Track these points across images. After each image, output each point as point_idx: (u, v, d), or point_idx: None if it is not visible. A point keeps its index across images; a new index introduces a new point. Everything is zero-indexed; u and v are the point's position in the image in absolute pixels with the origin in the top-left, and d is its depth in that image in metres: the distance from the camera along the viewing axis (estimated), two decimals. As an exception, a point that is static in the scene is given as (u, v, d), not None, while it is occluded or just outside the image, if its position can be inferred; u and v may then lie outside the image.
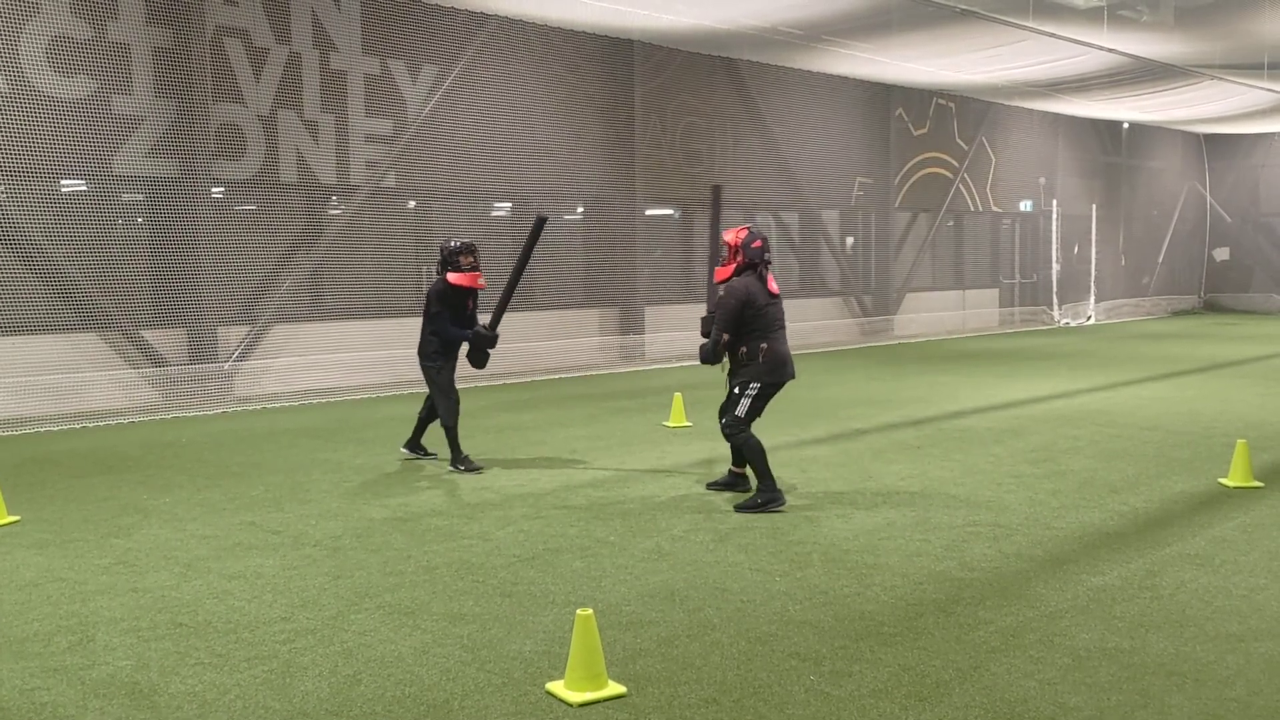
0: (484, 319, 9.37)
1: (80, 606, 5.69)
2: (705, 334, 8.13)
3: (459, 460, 9.13)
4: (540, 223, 9.00)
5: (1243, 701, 4.40)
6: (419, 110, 15.51)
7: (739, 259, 7.74)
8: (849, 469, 9.10)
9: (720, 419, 7.96)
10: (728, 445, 8.40)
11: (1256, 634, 5.15)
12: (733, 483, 8.29)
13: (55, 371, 12.36)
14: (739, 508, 7.64)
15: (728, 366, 7.97)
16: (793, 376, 7.84)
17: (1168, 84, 21.47)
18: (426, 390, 9.54)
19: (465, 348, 9.21)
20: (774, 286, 7.81)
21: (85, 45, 12.44)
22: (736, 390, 7.77)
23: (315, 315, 14.75)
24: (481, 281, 9.18)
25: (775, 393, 7.84)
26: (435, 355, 9.07)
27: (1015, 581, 5.99)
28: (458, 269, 9.00)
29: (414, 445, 9.71)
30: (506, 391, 14.75)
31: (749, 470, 8.18)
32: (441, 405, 9.09)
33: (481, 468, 9.14)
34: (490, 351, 9.28)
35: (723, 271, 7.88)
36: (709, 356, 7.84)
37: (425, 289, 15.91)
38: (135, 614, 5.55)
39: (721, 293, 7.79)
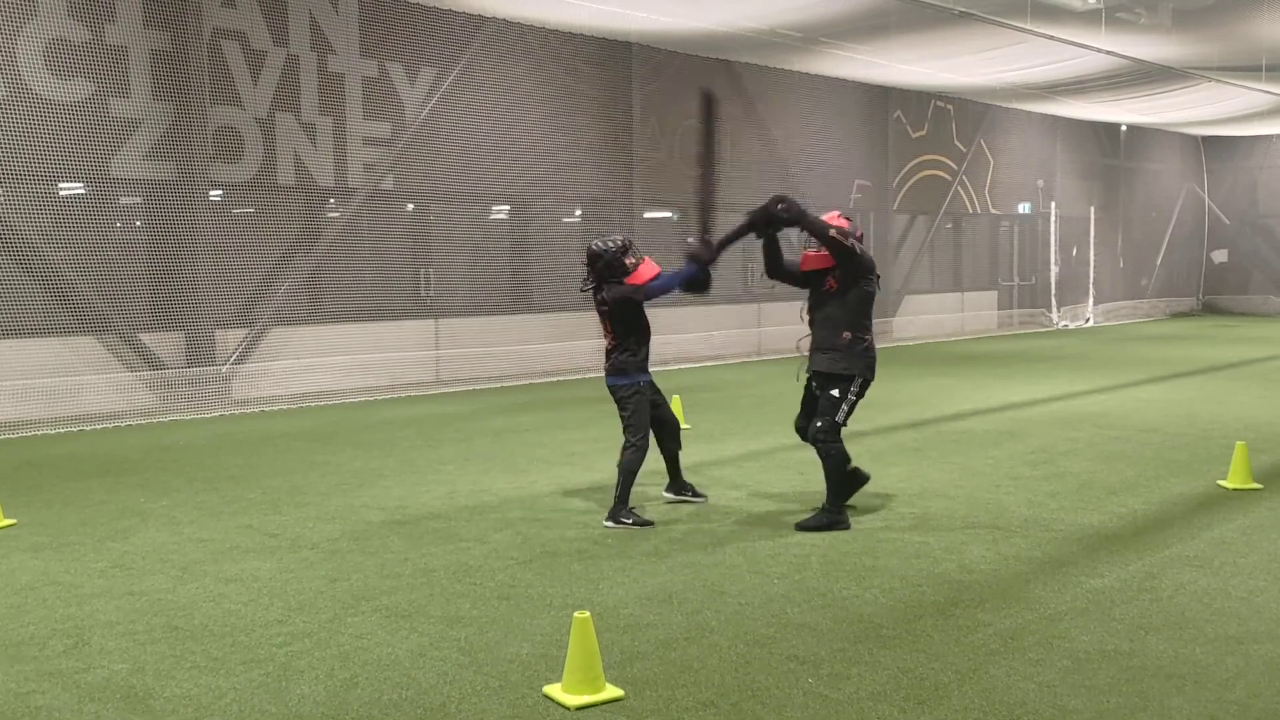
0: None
1: (76, 610, 5.67)
2: (697, 258, 7.19)
3: (628, 512, 7.33)
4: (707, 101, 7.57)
5: (1242, 704, 4.38)
6: (417, 113, 15.51)
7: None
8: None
9: (799, 433, 7.42)
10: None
11: (1256, 636, 5.14)
12: (852, 483, 7.41)
13: (52, 375, 12.33)
14: (800, 526, 7.13)
15: (803, 372, 7.41)
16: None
17: (1166, 86, 21.48)
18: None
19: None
20: None
21: (83, 48, 12.42)
22: (836, 392, 7.05)
23: (313, 318, 14.73)
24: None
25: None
26: (638, 371, 7.46)
27: (1014, 584, 5.98)
28: (626, 272, 7.42)
29: (678, 486, 8.00)
30: (504, 394, 14.73)
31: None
32: (633, 440, 7.40)
33: (653, 522, 7.37)
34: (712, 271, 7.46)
35: (817, 259, 7.23)
36: (803, 220, 7.00)
37: (425, 291, 15.88)
38: (131, 617, 5.53)
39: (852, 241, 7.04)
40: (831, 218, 7.28)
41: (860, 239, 7.33)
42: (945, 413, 12.46)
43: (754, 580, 6.06)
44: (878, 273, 7.40)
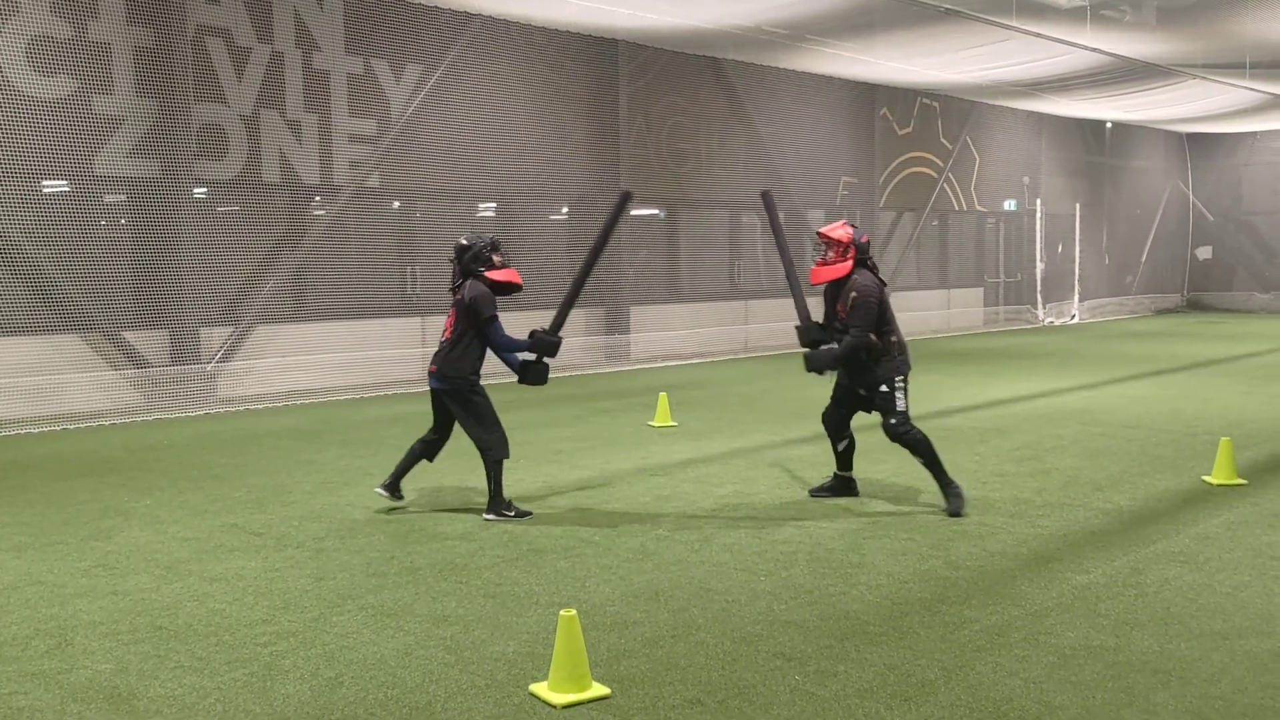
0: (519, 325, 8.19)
1: (59, 610, 5.63)
2: (807, 344, 7.60)
3: (504, 506, 7.49)
4: (624, 200, 7.79)
5: (1227, 699, 4.40)
6: (403, 110, 15.46)
7: (850, 255, 7.45)
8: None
9: (825, 425, 7.81)
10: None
11: (1241, 631, 5.16)
12: (840, 487, 8.01)
13: (36, 373, 12.26)
14: (951, 512, 7.37)
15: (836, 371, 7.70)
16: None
17: (1150, 83, 21.55)
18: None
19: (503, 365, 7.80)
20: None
21: (65, 45, 12.34)
22: (885, 389, 7.44)
23: (299, 316, 14.68)
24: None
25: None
26: (474, 376, 7.51)
27: (1000, 580, 5.99)
28: (491, 266, 7.52)
29: (395, 486, 7.82)
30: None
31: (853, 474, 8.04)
32: (490, 438, 7.46)
33: (531, 513, 7.57)
34: (549, 362, 7.71)
35: (828, 271, 7.52)
36: (831, 364, 7.48)
37: (412, 289, 15.86)
38: (115, 617, 5.50)
39: (853, 295, 7.39)
40: (836, 227, 7.60)
41: (866, 244, 7.63)
42: (931, 410, 12.47)
43: (741, 578, 6.06)
44: (882, 278, 7.67)
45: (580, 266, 7.75)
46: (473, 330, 7.50)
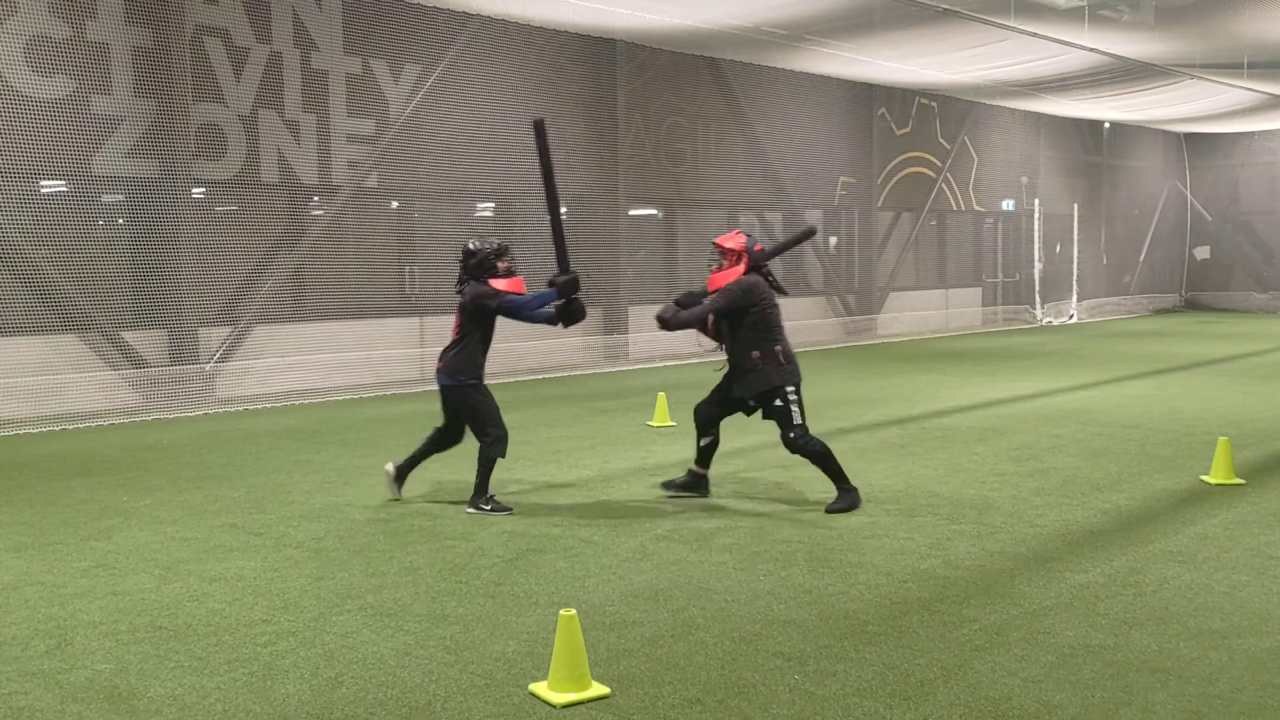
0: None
1: (59, 610, 5.63)
2: (562, 293, 7.61)
3: (484, 500, 7.66)
4: (539, 127, 7.87)
5: (1226, 698, 4.41)
6: (401, 110, 15.46)
7: (743, 261, 7.62)
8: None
9: (696, 415, 7.91)
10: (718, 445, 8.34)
11: (1239, 630, 5.16)
12: (693, 484, 8.09)
13: (34, 373, 12.26)
14: (832, 509, 7.50)
15: (724, 367, 7.84)
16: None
17: (1148, 83, 21.56)
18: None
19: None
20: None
21: (64, 45, 12.34)
22: (779, 402, 7.48)
23: (297, 316, 14.67)
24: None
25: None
26: (477, 375, 7.68)
27: (999, 579, 6.00)
28: (495, 274, 7.68)
29: (404, 475, 8.10)
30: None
31: (706, 470, 8.08)
32: (492, 434, 7.60)
33: (511, 509, 7.70)
34: (578, 297, 7.75)
35: (721, 277, 7.67)
36: (684, 322, 7.61)
37: (410, 289, 15.86)
38: (114, 617, 5.50)
39: (730, 282, 7.58)
40: (730, 237, 7.78)
41: (760, 252, 7.74)
42: (930, 409, 12.49)
43: (740, 577, 6.07)
44: (769, 288, 7.69)
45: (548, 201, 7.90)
46: (478, 331, 7.64)
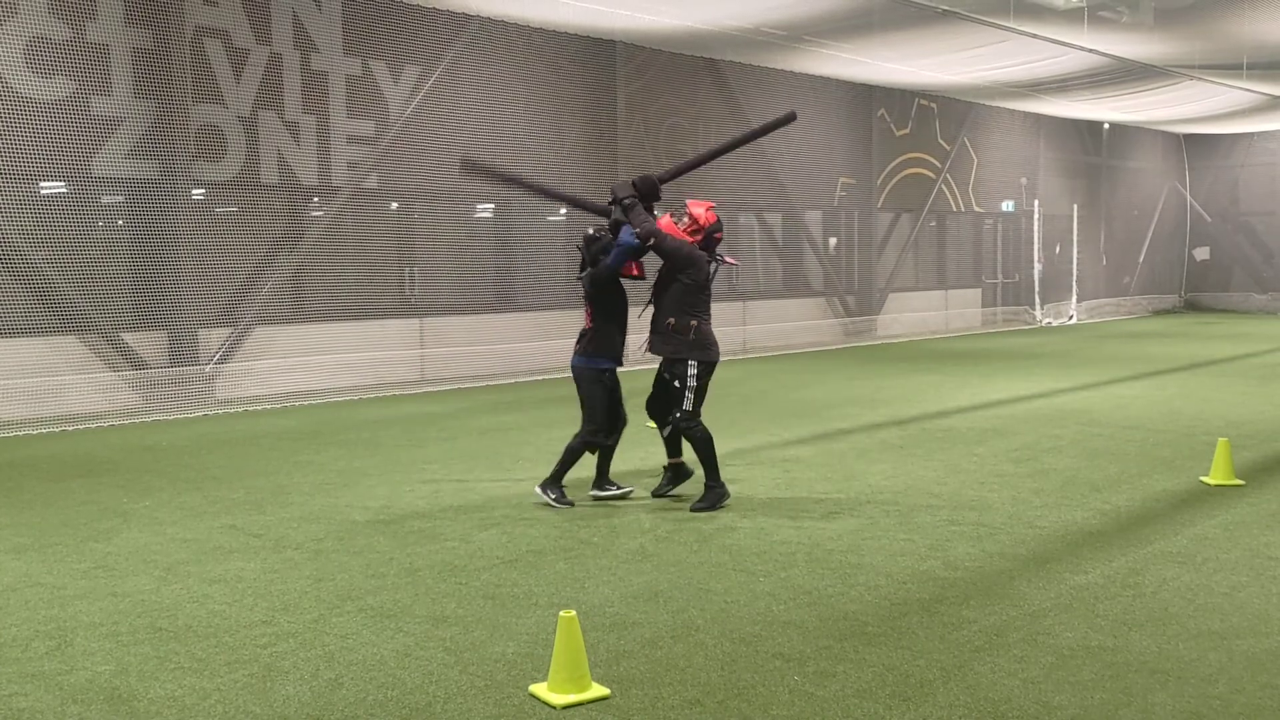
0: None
1: (59, 611, 5.64)
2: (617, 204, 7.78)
3: (552, 488, 7.79)
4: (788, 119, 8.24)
5: (1225, 699, 4.41)
6: (401, 111, 15.46)
7: (699, 236, 7.72)
8: (832, 469, 9.10)
9: (649, 412, 8.00)
10: (719, 446, 8.35)
11: (1238, 631, 5.17)
12: (676, 477, 8.08)
13: (34, 374, 12.26)
14: (695, 508, 7.62)
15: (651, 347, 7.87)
16: (718, 358, 7.80)
17: (1148, 84, 21.58)
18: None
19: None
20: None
21: (63, 46, 12.34)
22: (677, 384, 7.61)
23: (297, 317, 14.68)
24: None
25: (710, 375, 7.72)
26: (603, 361, 7.75)
27: (999, 580, 6.00)
28: None
29: (602, 483, 8.07)
30: (490, 393, 14.70)
31: (686, 460, 8.09)
32: (587, 426, 7.74)
33: (573, 504, 7.80)
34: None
35: (674, 228, 7.76)
36: (632, 216, 7.61)
37: (410, 290, 15.82)
38: (114, 618, 5.50)
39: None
40: (702, 205, 7.89)
41: (716, 237, 7.83)
42: (929, 410, 12.49)
43: (739, 578, 6.07)
44: (709, 267, 7.77)
45: (717, 147, 8.23)
46: (602, 312, 7.75)
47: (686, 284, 7.61)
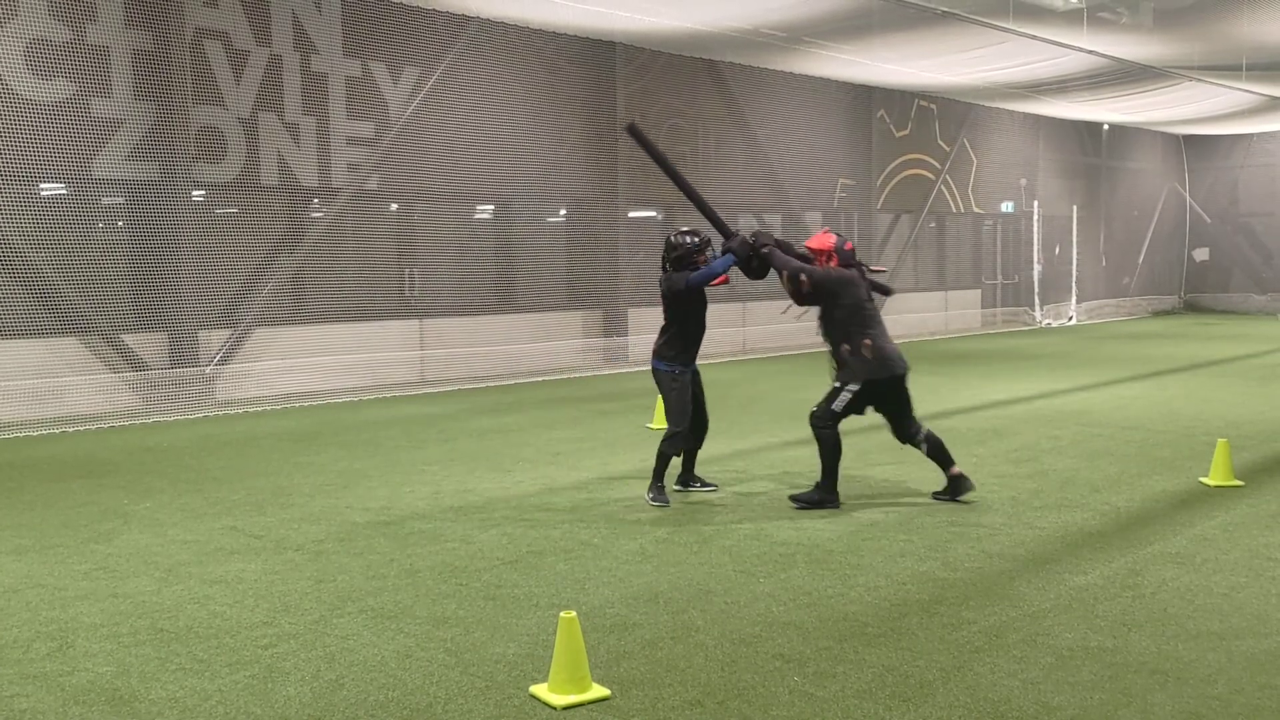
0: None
1: (60, 612, 5.64)
2: (740, 253, 7.86)
3: (653, 488, 7.93)
4: (633, 130, 8.27)
5: (1224, 699, 4.42)
6: (401, 112, 15.48)
7: (835, 261, 7.74)
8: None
9: (896, 436, 8.00)
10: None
11: (1238, 632, 5.18)
12: (957, 489, 7.90)
13: (35, 376, 12.27)
14: (795, 499, 7.75)
15: (788, 309, 8.09)
16: (905, 370, 7.81)
17: (1147, 85, 21.58)
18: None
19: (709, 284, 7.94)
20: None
21: (64, 48, 12.35)
22: (839, 384, 7.71)
23: (297, 318, 14.69)
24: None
25: (886, 390, 7.75)
26: (679, 363, 7.93)
27: (998, 581, 6.01)
28: (695, 268, 7.91)
29: (687, 479, 8.33)
30: (489, 394, 14.71)
31: (940, 460, 7.97)
32: (672, 425, 7.89)
33: (668, 503, 7.88)
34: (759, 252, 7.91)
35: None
36: (775, 260, 7.66)
37: (410, 292, 15.84)
38: (115, 620, 5.51)
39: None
40: (816, 239, 7.89)
41: (850, 250, 7.86)
42: (929, 411, 12.49)
43: (740, 579, 6.08)
44: (865, 279, 7.84)
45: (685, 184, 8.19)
46: (678, 317, 7.93)
47: (847, 304, 7.65)
